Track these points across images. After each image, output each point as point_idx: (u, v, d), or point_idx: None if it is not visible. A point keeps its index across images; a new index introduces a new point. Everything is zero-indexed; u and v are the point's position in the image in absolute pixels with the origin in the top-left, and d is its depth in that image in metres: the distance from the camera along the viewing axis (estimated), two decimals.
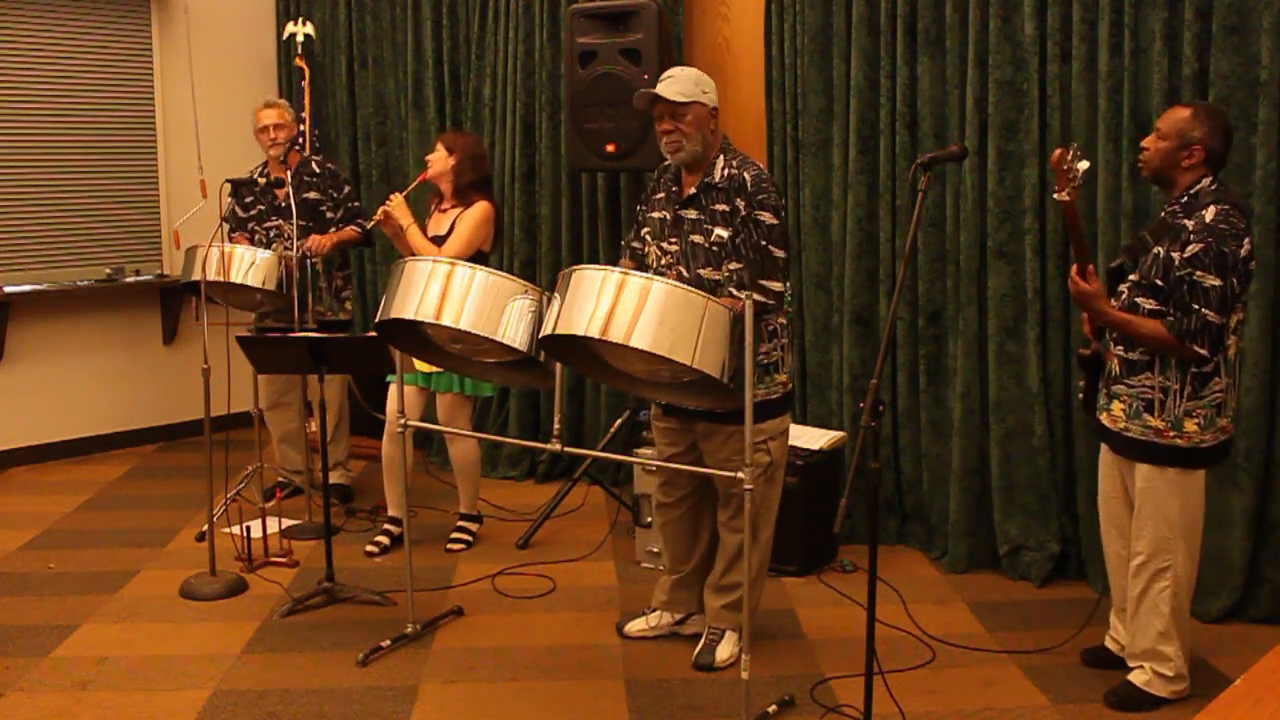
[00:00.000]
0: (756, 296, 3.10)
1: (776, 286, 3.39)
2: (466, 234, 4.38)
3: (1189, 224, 3.10)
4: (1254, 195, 3.75)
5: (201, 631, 3.90)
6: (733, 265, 3.39)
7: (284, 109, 5.04)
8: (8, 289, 5.81)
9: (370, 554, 4.60)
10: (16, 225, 5.93)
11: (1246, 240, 3.08)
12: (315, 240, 4.84)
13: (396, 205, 4.37)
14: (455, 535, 4.75)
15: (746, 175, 3.41)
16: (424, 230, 4.46)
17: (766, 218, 3.38)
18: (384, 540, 4.67)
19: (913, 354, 4.60)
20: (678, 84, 3.42)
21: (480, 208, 4.43)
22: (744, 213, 3.38)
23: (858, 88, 4.59)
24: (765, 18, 4.86)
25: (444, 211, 4.52)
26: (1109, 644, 3.59)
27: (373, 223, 4.53)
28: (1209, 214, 3.08)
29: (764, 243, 3.37)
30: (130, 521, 5.09)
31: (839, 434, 4.57)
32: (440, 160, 4.46)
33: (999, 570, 4.41)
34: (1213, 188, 3.16)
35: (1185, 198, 3.17)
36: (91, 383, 6.23)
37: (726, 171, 3.44)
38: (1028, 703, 3.38)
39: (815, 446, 4.44)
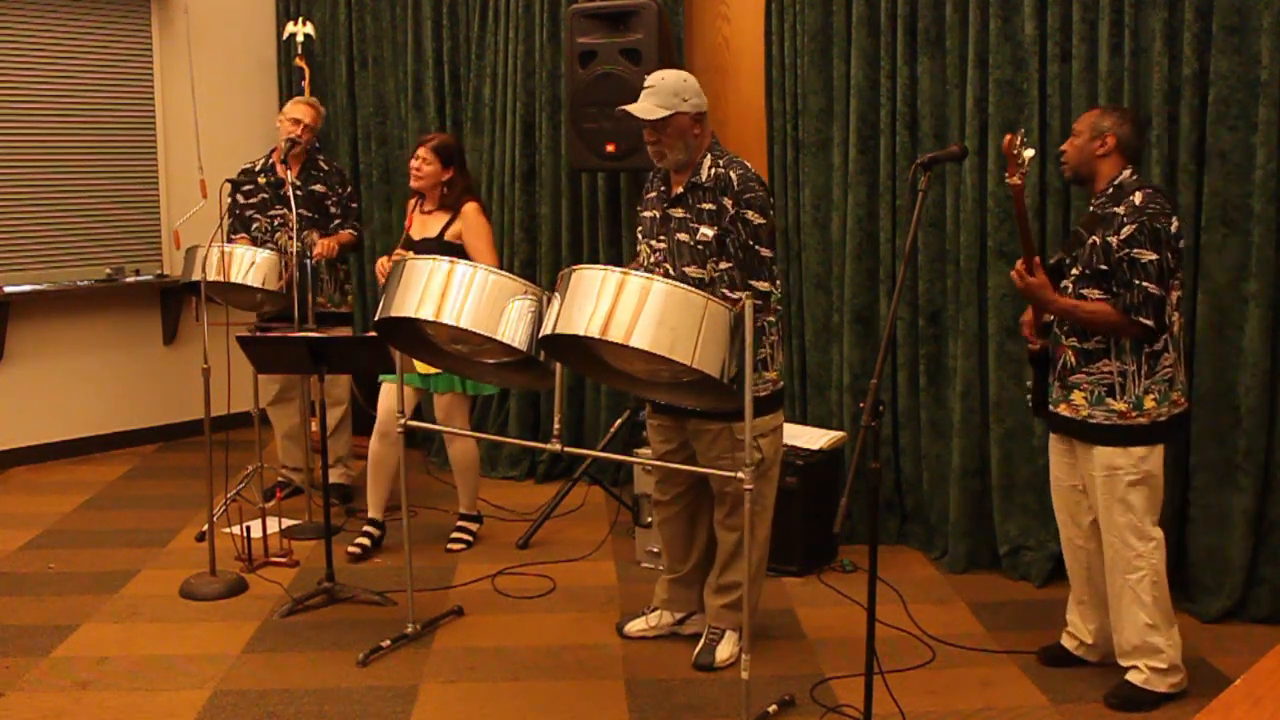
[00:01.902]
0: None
1: (764, 286, 3.39)
2: (485, 242, 4.42)
3: (1119, 210, 3.24)
4: (1254, 195, 3.75)
5: (201, 631, 3.90)
6: (722, 265, 3.39)
7: (319, 114, 5.12)
8: (8, 289, 5.81)
9: (352, 556, 4.51)
10: (16, 225, 5.93)
11: (1175, 219, 3.24)
12: (322, 246, 4.88)
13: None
14: (455, 535, 4.74)
15: (733, 174, 3.41)
16: (408, 232, 4.47)
17: (753, 217, 3.38)
18: (365, 542, 4.57)
19: (913, 354, 4.60)
20: (656, 96, 3.40)
21: (475, 211, 4.45)
22: (731, 211, 3.38)
23: (858, 88, 4.58)
24: (765, 18, 4.86)
25: (428, 214, 4.50)
26: (1065, 641, 3.60)
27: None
28: (1137, 198, 3.24)
29: (751, 242, 3.38)
30: (130, 521, 5.09)
31: (839, 434, 4.57)
32: (435, 173, 4.43)
33: (999, 570, 4.42)
34: (1134, 178, 3.31)
35: (1110, 189, 3.31)
36: (91, 383, 6.23)
37: (713, 171, 3.44)
38: (1027, 703, 3.38)
39: (815, 446, 4.44)
